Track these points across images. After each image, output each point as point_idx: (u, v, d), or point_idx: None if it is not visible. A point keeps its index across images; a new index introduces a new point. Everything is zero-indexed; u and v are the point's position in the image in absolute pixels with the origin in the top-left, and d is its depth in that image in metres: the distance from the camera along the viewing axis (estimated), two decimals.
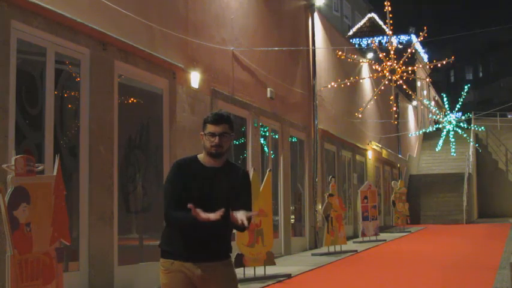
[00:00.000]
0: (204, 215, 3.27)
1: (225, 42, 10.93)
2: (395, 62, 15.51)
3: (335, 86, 16.90)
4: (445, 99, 30.63)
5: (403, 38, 35.38)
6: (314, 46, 15.73)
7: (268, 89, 12.85)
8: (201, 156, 3.59)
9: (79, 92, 7.35)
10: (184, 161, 3.60)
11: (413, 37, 34.80)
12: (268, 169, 10.03)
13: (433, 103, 39.83)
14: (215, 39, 10.54)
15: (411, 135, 31.84)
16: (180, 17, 9.49)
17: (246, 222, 3.31)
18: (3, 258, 4.64)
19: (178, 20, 9.42)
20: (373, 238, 16.62)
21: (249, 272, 9.02)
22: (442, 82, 62.80)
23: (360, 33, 34.53)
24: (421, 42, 33.71)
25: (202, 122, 3.60)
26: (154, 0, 8.85)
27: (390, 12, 15.14)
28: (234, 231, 3.66)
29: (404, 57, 15.30)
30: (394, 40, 28.59)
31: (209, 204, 3.39)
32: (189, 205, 3.26)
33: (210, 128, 3.49)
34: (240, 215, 3.31)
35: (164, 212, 3.51)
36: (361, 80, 20.87)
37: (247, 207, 3.53)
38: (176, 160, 3.66)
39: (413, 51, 26.13)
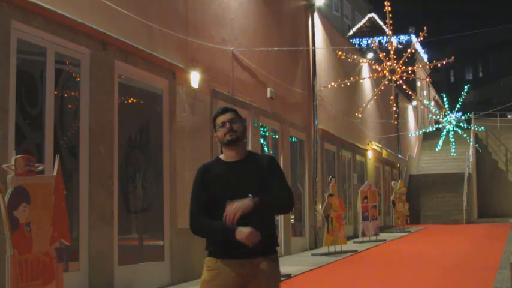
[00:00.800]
0: (240, 235, 3.27)
1: (225, 42, 10.93)
2: (395, 62, 15.51)
3: (335, 86, 16.90)
4: (445, 99, 30.63)
5: (403, 38, 35.38)
6: (314, 46, 15.73)
7: (268, 89, 12.85)
8: (222, 155, 3.64)
9: (79, 92, 7.35)
10: (207, 164, 3.66)
11: (413, 37, 34.80)
12: None
13: (433, 103, 39.83)
14: (215, 39, 10.54)
15: (411, 135, 31.84)
16: (180, 17, 9.49)
17: (236, 214, 3.24)
18: (3, 258, 4.64)
19: (178, 20, 9.42)
20: (373, 238, 16.62)
21: None
22: (442, 82, 62.79)
23: (360, 33, 34.53)
24: (421, 42, 33.71)
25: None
26: (154, 0, 8.85)
27: (390, 12, 15.14)
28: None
29: (404, 57, 15.29)
30: (394, 40, 28.61)
31: (234, 199, 3.36)
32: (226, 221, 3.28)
33: (219, 119, 3.59)
34: (229, 209, 3.25)
35: (189, 219, 3.53)
36: (361, 80, 20.87)
37: (281, 187, 3.48)
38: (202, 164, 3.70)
39: (413, 51, 26.11)
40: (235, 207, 3.25)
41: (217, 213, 3.40)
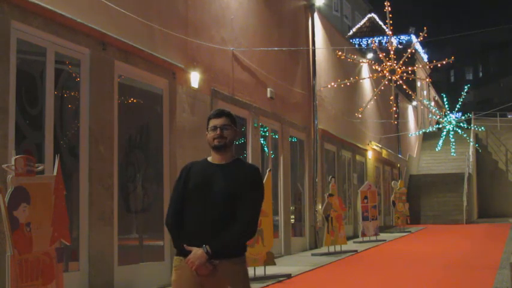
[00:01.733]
0: (190, 260, 3.41)
1: (225, 42, 10.93)
2: (395, 62, 15.51)
3: (335, 86, 16.91)
4: (445, 99, 30.63)
5: (403, 38, 35.37)
6: (314, 46, 15.73)
7: (268, 89, 12.85)
8: (210, 157, 3.66)
9: (79, 92, 7.35)
10: (192, 163, 3.69)
11: (413, 37, 34.79)
12: (268, 169, 10.03)
13: (433, 103, 39.82)
14: (215, 39, 10.54)
15: (411, 135, 31.84)
16: (180, 17, 9.49)
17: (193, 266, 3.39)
18: (3, 258, 4.64)
19: (178, 20, 9.42)
20: (373, 238, 16.63)
21: (249, 272, 9.00)
22: (442, 82, 62.77)
23: (360, 33, 34.52)
24: (421, 42, 33.71)
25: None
26: (154, 0, 8.85)
27: (390, 12, 15.14)
28: None
29: (404, 57, 15.30)
30: (394, 40, 28.59)
31: (206, 200, 3.45)
32: (185, 245, 3.44)
33: (212, 122, 3.59)
34: (192, 257, 3.39)
35: (166, 216, 3.65)
36: (361, 80, 20.87)
37: (247, 207, 3.45)
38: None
39: (413, 51, 26.11)
40: (190, 263, 3.38)
41: (188, 209, 3.52)
